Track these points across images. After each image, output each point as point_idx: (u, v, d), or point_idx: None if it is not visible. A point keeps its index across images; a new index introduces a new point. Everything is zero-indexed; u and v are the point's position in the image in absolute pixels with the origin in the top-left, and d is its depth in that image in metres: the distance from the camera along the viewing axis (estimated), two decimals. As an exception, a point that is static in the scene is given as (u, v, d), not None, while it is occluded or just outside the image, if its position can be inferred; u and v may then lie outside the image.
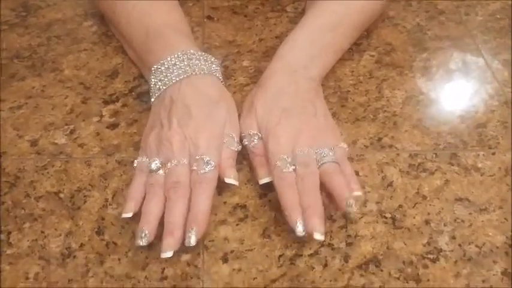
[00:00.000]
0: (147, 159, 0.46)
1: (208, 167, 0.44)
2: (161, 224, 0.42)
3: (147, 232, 0.41)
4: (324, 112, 0.50)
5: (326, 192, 0.44)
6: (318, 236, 0.41)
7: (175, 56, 0.49)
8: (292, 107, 0.48)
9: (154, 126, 0.47)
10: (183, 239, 0.41)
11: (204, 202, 0.43)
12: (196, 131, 0.46)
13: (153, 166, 0.45)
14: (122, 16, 0.56)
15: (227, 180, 0.45)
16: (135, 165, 0.46)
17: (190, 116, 0.46)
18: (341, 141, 0.48)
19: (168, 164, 0.44)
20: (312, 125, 0.47)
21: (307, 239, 0.43)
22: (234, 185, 0.46)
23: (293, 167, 0.45)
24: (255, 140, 0.48)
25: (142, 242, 0.41)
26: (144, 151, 0.47)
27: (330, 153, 0.45)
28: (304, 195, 0.43)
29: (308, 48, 0.53)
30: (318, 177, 0.44)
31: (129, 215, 0.43)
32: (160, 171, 0.45)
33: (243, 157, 0.49)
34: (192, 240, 0.41)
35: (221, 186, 0.46)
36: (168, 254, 0.41)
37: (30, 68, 0.58)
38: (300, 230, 0.41)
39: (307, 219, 0.42)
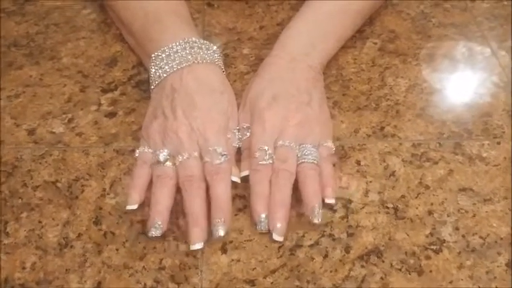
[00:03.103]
0: (150, 150, 0.45)
1: (223, 157, 0.43)
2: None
3: (160, 223, 0.41)
4: (319, 102, 0.48)
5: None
6: (276, 237, 0.42)
7: (177, 43, 0.48)
8: (283, 93, 0.47)
9: (156, 115, 0.47)
10: (209, 230, 0.41)
11: (225, 192, 0.42)
12: (203, 122, 0.45)
13: (161, 158, 0.44)
14: (122, 2, 0.55)
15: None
16: (136, 155, 0.46)
17: (195, 106, 0.45)
18: (329, 139, 0.47)
19: (179, 157, 0.44)
20: (302, 114, 0.46)
21: (307, 228, 0.43)
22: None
23: (271, 161, 0.44)
24: (247, 134, 0.47)
25: (156, 233, 0.41)
26: (147, 142, 0.46)
27: (313, 152, 0.44)
28: (274, 191, 0.43)
29: (309, 35, 0.52)
30: (293, 175, 0.44)
31: (135, 206, 0.43)
32: (168, 163, 0.44)
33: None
34: (221, 232, 0.41)
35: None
36: (197, 245, 0.40)
37: (28, 56, 0.58)
38: (260, 227, 0.42)
39: (270, 217, 0.42)
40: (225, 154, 0.43)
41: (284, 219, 0.42)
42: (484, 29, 0.62)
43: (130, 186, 0.44)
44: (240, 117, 0.48)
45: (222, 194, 0.42)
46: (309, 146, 0.45)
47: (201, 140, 0.44)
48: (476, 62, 0.58)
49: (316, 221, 0.42)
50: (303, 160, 0.44)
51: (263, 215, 0.42)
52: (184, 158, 0.43)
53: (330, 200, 0.44)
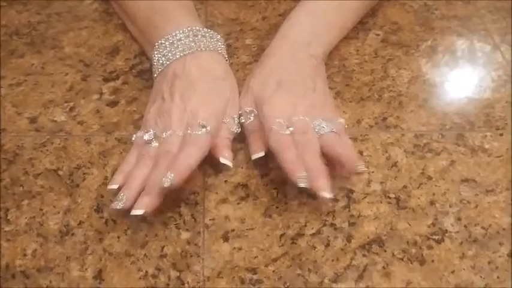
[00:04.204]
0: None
1: (203, 129, 0.43)
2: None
3: (124, 197, 0.40)
4: (323, 89, 0.48)
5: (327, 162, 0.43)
6: (326, 194, 0.40)
7: (180, 31, 0.48)
8: (289, 80, 0.47)
9: (155, 100, 0.47)
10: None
11: (188, 157, 0.41)
12: (197, 105, 0.45)
13: (146, 137, 0.44)
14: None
15: (222, 161, 0.44)
16: (133, 139, 0.46)
17: (194, 91, 0.45)
18: (339, 117, 0.47)
19: (163, 134, 0.43)
20: (309, 99, 0.46)
21: (309, 217, 0.43)
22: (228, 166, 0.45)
23: (290, 129, 0.43)
24: (251, 118, 0.47)
25: (117, 206, 0.40)
26: (144, 125, 0.46)
27: (329, 124, 0.44)
28: (306, 160, 0.41)
29: (311, 25, 0.52)
30: (318, 145, 0.43)
31: (115, 187, 0.42)
32: (154, 143, 0.44)
33: (244, 137, 0.48)
34: (167, 183, 0.39)
35: (222, 166, 0.45)
36: (137, 211, 0.40)
37: (29, 45, 0.57)
38: (303, 180, 0.40)
39: (312, 182, 0.40)
40: (206, 127, 0.43)
41: (326, 177, 0.41)
42: (486, 21, 0.62)
43: (118, 167, 0.44)
44: (242, 102, 0.48)
45: (183, 157, 0.41)
46: (322, 121, 0.44)
47: (191, 117, 0.44)
48: (479, 55, 0.58)
49: (360, 169, 0.42)
50: (322, 132, 0.43)
51: (302, 174, 0.40)
52: (168, 134, 0.43)
53: (361, 167, 0.44)
